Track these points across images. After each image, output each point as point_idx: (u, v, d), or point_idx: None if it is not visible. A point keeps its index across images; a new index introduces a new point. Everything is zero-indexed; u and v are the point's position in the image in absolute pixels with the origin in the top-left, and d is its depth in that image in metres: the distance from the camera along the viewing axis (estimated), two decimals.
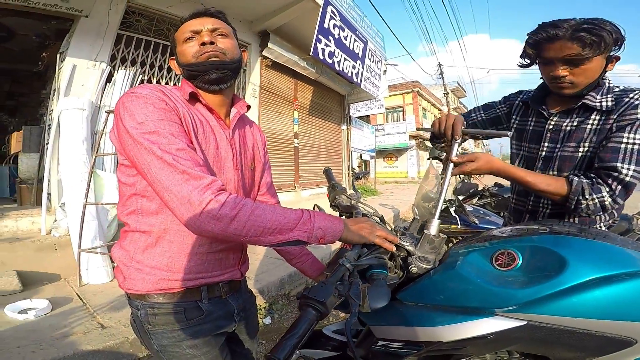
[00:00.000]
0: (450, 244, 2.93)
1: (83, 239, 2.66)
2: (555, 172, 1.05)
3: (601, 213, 0.93)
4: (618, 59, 0.95)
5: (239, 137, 0.89)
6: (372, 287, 0.63)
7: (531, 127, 1.14)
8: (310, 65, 6.16)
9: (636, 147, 0.89)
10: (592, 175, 0.94)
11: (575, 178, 0.93)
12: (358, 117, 11.69)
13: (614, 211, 1.00)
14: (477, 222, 2.56)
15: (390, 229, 1.01)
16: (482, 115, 1.30)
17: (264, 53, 5.33)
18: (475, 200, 3.83)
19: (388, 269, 0.74)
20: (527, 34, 1.00)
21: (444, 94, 21.31)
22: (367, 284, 0.69)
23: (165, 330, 0.79)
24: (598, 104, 0.97)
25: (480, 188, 3.96)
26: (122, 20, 3.66)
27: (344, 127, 8.44)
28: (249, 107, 0.93)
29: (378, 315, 0.79)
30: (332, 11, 5.09)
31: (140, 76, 3.78)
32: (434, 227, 0.87)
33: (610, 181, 0.90)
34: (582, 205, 0.91)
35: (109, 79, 3.51)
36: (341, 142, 8.40)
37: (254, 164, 0.95)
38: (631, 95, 0.94)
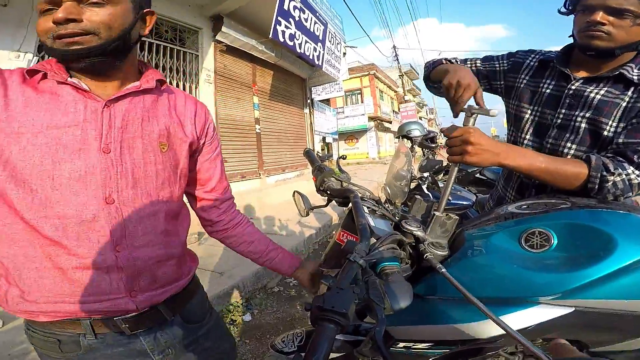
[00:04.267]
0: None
1: None
2: (571, 145, 0.93)
3: (631, 193, 0.80)
4: None
5: (128, 112, 0.65)
6: (390, 285, 0.54)
7: (547, 90, 0.98)
8: (269, 49, 5.89)
9: None
10: (610, 154, 0.83)
11: (593, 155, 0.81)
12: (319, 101, 11.56)
13: None
14: (450, 198, 2.62)
15: (390, 209, 0.95)
16: (478, 64, 1.16)
17: (217, 37, 4.97)
18: (440, 176, 3.95)
19: (400, 260, 0.64)
20: None
21: (399, 76, 21.81)
22: (381, 280, 0.59)
23: (44, 354, 0.66)
24: (636, 77, 0.84)
25: (444, 164, 4.09)
26: None
27: (306, 110, 8.29)
28: (162, 81, 0.72)
29: (393, 314, 0.72)
30: None
31: None
32: (441, 207, 0.79)
33: (636, 158, 0.79)
34: (608, 184, 0.77)
35: None
36: (304, 125, 8.26)
37: (167, 144, 0.69)
38: None
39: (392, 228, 0.79)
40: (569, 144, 0.93)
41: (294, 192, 1.13)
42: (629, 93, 0.84)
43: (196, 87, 4.86)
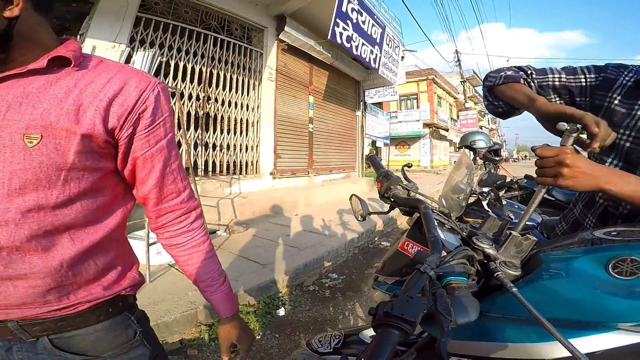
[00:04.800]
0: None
1: None
2: None
3: None
4: None
5: None
6: (457, 299, 0.54)
7: None
8: (326, 50, 5.99)
9: None
10: None
11: None
12: (372, 104, 11.43)
13: None
14: (512, 217, 2.40)
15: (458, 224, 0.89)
16: (562, 78, 1.04)
17: (280, 37, 5.20)
18: (502, 192, 3.65)
19: (467, 276, 0.63)
20: None
21: (461, 82, 20.72)
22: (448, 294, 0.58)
23: None
24: None
25: (508, 180, 3.77)
26: (141, 3, 3.63)
27: (358, 113, 8.25)
28: (64, 58, 0.57)
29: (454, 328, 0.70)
30: None
31: (159, 57, 3.73)
32: (520, 226, 0.76)
33: None
34: None
35: (128, 60, 3.47)
36: (355, 128, 8.23)
37: (40, 137, 0.53)
38: None
39: (461, 242, 0.78)
40: None
41: (351, 196, 1.13)
42: None
43: (259, 84, 5.09)
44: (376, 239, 4.36)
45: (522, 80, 1.03)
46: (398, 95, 13.30)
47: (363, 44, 5.66)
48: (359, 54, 5.62)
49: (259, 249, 3.21)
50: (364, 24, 5.57)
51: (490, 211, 2.45)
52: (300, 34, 5.38)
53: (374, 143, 11.66)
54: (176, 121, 3.66)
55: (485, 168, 4.30)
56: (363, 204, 1.06)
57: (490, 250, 0.68)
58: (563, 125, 0.73)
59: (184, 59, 4.07)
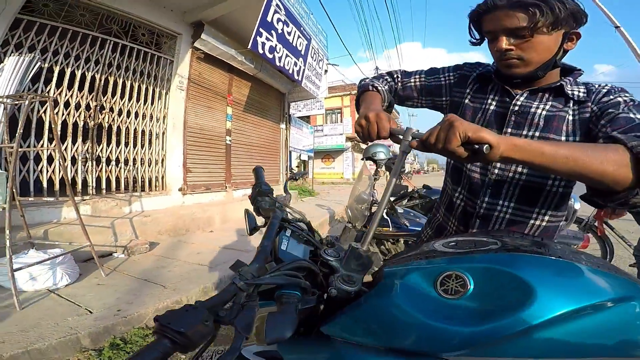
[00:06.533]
0: (382, 247, 2.98)
1: None
2: (523, 170, 0.88)
3: None
4: (578, 36, 0.82)
5: None
6: (275, 314, 0.50)
7: (491, 107, 0.93)
8: (249, 61, 5.84)
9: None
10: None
11: (629, 138, 0.64)
12: (299, 117, 11.62)
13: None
14: (407, 224, 2.62)
15: (319, 238, 0.90)
16: (423, 79, 1.08)
17: (196, 44, 4.89)
18: (404, 201, 3.99)
19: (303, 290, 0.59)
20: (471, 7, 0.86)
21: None
22: (274, 308, 0.55)
23: None
24: (574, 92, 0.84)
25: (410, 189, 4.14)
26: (26, 4, 3.15)
27: (282, 126, 8.24)
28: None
29: (297, 351, 0.65)
30: (277, 4, 4.84)
31: (39, 63, 3.20)
32: (366, 240, 0.77)
33: None
34: None
35: None
36: (279, 141, 8.17)
37: None
38: (596, 85, 0.84)
39: (313, 256, 0.75)
40: (519, 168, 0.88)
41: (245, 210, 1.07)
42: (572, 106, 0.84)
43: (167, 93, 4.72)
44: None
45: (370, 88, 1.07)
46: (324, 109, 13.78)
47: (287, 56, 5.59)
48: (282, 65, 5.53)
49: (162, 270, 2.92)
50: (289, 35, 5.49)
51: (389, 219, 2.64)
52: (219, 42, 5.13)
53: (299, 156, 11.83)
54: (46, 132, 3.21)
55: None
56: (250, 219, 1.02)
57: (334, 263, 0.65)
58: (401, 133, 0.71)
59: (72, 65, 3.57)
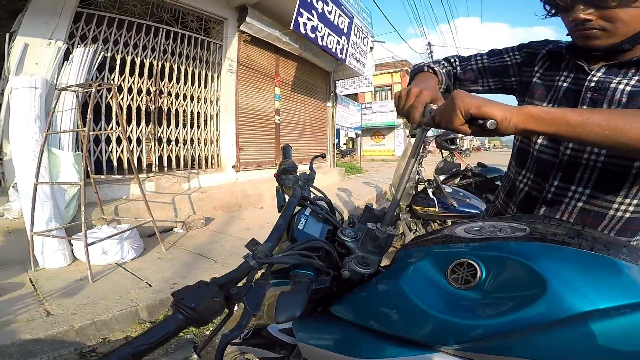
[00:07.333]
0: (429, 227, 2.86)
1: (37, 221, 2.48)
2: (599, 152, 0.75)
3: None
4: None
5: None
6: (285, 294, 0.50)
7: (564, 84, 0.82)
8: (294, 41, 5.86)
9: None
10: None
11: None
12: (346, 95, 11.43)
13: None
14: (455, 204, 2.47)
15: (340, 217, 0.87)
16: (485, 61, 1.00)
17: (241, 28, 5.02)
18: (457, 180, 3.75)
19: (317, 270, 0.57)
20: None
21: None
22: (288, 286, 0.55)
23: None
24: None
25: (462, 168, 3.87)
26: None
27: (329, 104, 8.20)
28: None
29: (309, 329, 0.64)
30: None
31: (103, 52, 3.54)
32: (386, 220, 0.72)
33: None
34: None
35: (67, 56, 3.27)
36: (326, 119, 8.17)
37: None
38: None
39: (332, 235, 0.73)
40: (595, 150, 0.75)
41: (276, 188, 1.09)
42: None
43: (218, 76, 4.94)
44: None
45: (426, 68, 1.01)
46: (373, 87, 13.34)
47: (329, 34, 5.60)
48: (324, 44, 5.55)
49: (214, 245, 3.16)
50: (330, 14, 5.49)
51: (436, 199, 2.51)
52: (263, 24, 5.22)
53: (348, 134, 11.71)
54: (114, 116, 3.53)
55: (442, 156, 4.41)
56: (279, 196, 1.04)
57: (350, 244, 0.64)
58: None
59: (132, 53, 3.87)
